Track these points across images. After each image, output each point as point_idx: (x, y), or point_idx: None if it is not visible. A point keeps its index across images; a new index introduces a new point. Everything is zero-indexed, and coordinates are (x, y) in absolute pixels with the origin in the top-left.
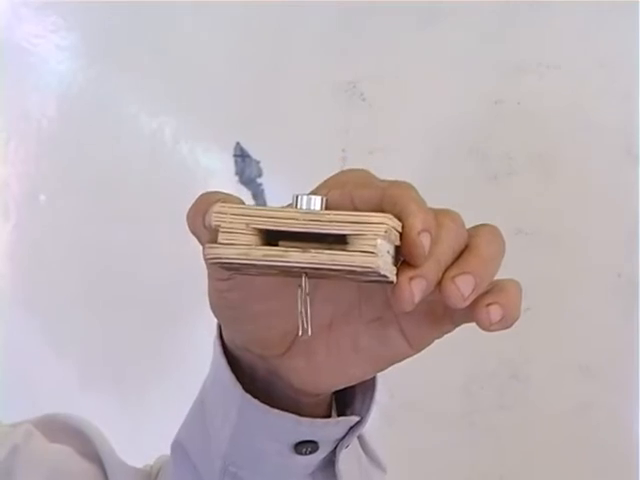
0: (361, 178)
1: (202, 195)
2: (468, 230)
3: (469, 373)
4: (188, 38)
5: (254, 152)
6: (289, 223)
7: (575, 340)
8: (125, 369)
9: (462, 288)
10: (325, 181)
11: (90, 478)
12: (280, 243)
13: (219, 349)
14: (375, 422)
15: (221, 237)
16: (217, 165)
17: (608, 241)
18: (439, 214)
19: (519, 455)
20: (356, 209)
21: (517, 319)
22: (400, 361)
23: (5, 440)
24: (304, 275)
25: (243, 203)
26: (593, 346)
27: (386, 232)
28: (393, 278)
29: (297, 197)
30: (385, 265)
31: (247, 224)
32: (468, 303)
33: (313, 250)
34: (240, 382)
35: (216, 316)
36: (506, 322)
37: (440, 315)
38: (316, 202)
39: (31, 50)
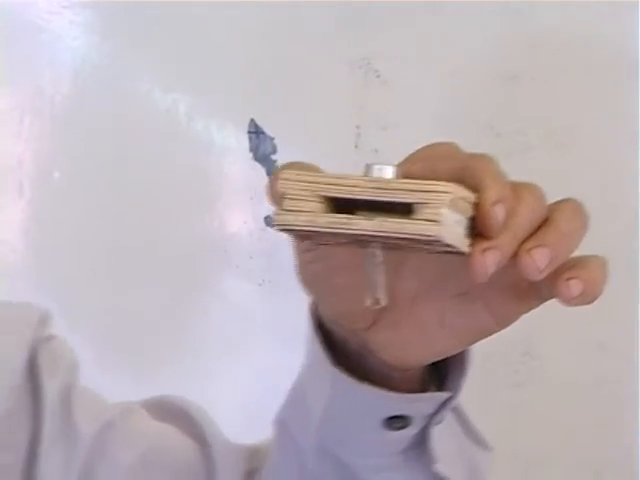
0: (444, 150)
1: (283, 165)
2: (550, 204)
3: (483, 350)
4: (202, 14)
5: (268, 129)
6: (354, 191)
7: (590, 316)
8: (140, 346)
9: (538, 260)
10: (410, 155)
11: (190, 457)
12: (357, 212)
13: (311, 322)
14: None
15: (287, 204)
16: (231, 142)
17: (626, 217)
18: (518, 187)
19: (533, 432)
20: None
21: (599, 295)
22: (486, 337)
23: (99, 415)
24: (375, 244)
25: (319, 171)
26: (608, 322)
27: (451, 201)
28: (465, 249)
29: (369, 166)
30: (452, 235)
31: (312, 191)
32: (543, 276)
33: (378, 218)
34: (335, 357)
35: (303, 288)
36: (586, 297)
37: (525, 290)
38: (388, 171)
39: (45, 27)
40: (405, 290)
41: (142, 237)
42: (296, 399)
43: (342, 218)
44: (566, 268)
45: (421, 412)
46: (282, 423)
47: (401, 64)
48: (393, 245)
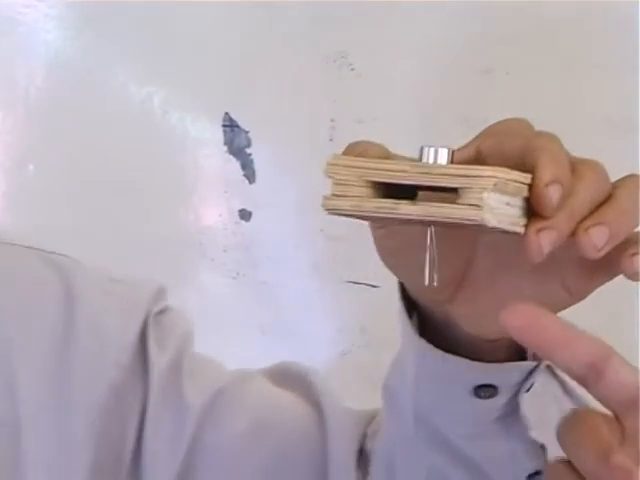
0: (514, 127)
1: (348, 145)
2: (615, 182)
3: None
4: (177, 7)
5: (243, 122)
6: (400, 176)
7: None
8: None
9: (595, 238)
10: (485, 129)
11: (305, 423)
12: (420, 194)
13: (399, 294)
14: None
15: (334, 189)
16: (206, 135)
17: None
18: (579, 165)
19: None
20: (504, 158)
21: None
22: (562, 309)
23: (211, 384)
24: (431, 225)
25: (384, 151)
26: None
27: (496, 185)
28: (519, 229)
29: (423, 148)
30: (497, 218)
31: (360, 176)
32: (602, 254)
33: (422, 203)
34: (425, 327)
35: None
36: None
37: (597, 265)
38: (443, 154)
39: (20, 19)
40: (483, 265)
41: (117, 230)
42: (397, 365)
43: (388, 203)
44: (631, 243)
45: (508, 381)
46: (387, 388)
47: (376, 57)
48: (452, 226)
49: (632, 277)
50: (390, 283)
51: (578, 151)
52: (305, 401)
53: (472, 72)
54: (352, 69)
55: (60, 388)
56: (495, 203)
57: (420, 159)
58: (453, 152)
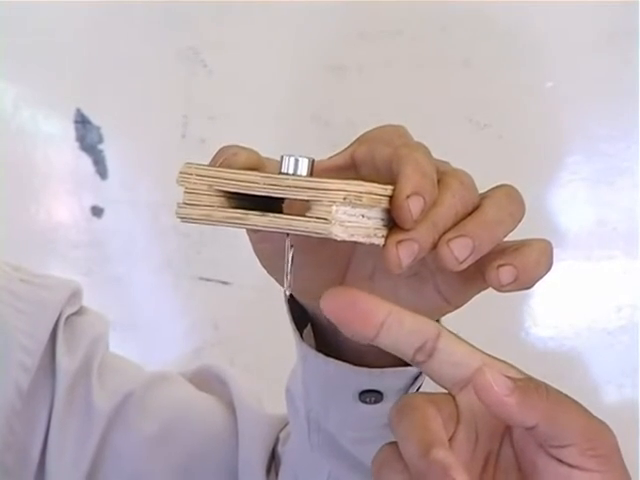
0: (387, 135)
1: (220, 149)
2: (484, 192)
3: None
4: (27, 4)
5: (95, 118)
6: (249, 187)
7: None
8: None
9: (456, 251)
10: (362, 134)
11: (220, 425)
12: (286, 203)
13: (285, 298)
14: None
15: (185, 197)
16: (58, 131)
17: None
18: (447, 176)
19: None
20: (376, 167)
21: (537, 279)
22: (441, 315)
23: (121, 388)
24: (287, 235)
25: (250, 160)
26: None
27: (345, 199)
28: (376, 241)
29: (283, 158)
30: (350, 231)
31: (210, 185)
32: (465, 266)
33: (271, 214)
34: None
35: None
36: (521, 283)
37: (472, 273)
38: (303, 164)
39: None
40: (361, 269)
41: None
42: (294, 369)
43: (237, 213)
44: (498, 254)
45: (393, 386)
46: (287, 391)
47: (228, 54)
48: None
49: (498, 289)
50: (242, 280)
51: (436, 148)
52: (221, 403)
53: (324, 69)
54: (204, 65)
55: None
56: (346, 216)
57: (280, 168)
58: (313, 162)
